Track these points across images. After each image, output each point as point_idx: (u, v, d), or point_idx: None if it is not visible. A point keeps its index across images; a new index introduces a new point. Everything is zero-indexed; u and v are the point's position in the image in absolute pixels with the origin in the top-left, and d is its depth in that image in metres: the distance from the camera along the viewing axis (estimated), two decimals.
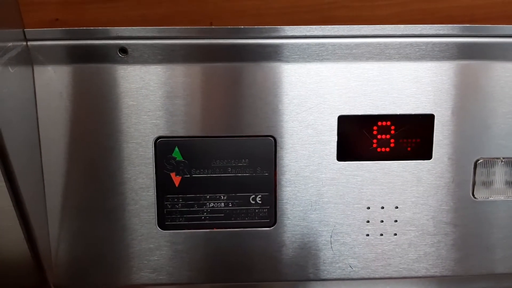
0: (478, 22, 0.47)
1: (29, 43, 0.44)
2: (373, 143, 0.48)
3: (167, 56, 0.45)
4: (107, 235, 0.49)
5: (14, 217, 0.43)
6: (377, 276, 0.51)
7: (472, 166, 0.49)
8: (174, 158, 0.47)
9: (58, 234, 0.48)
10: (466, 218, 0.50)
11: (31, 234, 0.45)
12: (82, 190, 0.47)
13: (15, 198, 0.42)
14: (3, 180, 0.41)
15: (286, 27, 0.45)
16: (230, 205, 0.49)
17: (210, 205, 0.49)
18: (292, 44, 0.45)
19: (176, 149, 0.47)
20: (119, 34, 0.44)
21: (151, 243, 0.49)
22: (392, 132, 0.48)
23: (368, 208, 0.50)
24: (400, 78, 0.47)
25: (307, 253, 0.50)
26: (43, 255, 0.47)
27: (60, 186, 0.47)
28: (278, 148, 0.48)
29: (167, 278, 0.50)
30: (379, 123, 0.48)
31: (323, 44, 0.46)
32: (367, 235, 0.50)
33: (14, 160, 0.41)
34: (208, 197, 0.48)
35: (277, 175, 0.48)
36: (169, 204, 0.48)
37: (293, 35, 0.45)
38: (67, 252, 0.49)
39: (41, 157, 0.46)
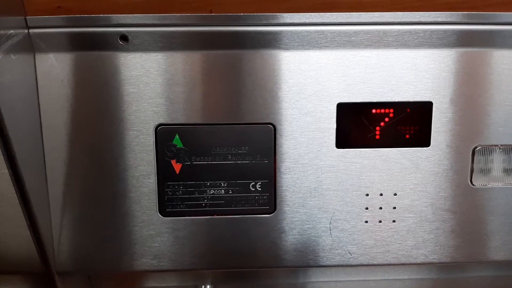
0: (477, 9, 0.47)
1: (30, 30, 0.44)
2: (372, 130, 0.49)
3: (168, 43, 0.45)
4: (109, 222, 0.49)
5: (17, 204, 0.44)
6: (376, 262, 0.52)
7: (470, 153, 0.50)
8: (175, 146, 0.48)
9: (60, 221, 0.49)
10: (464, 205, 0.51)
11: (33, 221, 0.45)
12: (83, 177, 0.48)
13: (17, 185, 0.43)
14: (5, 167, 0.41)
15: (285, 14, 0.45)
16: (230, 192, 0.49)
17: (211, 192, 0.49)
18: (291, 31, 0.46)
19: (177, 136, 0.48)
20: (120, 22, 0.44)
21: (152, 229, 0.49)
22: (391, 119, 0.48)
23: (367, 195, 0.50)
24: (398, 66, 0.47)
25: (307, 240, 0.51)
26: (45, 242, 0.48)
27: (61, 173, 0.48)
28: (277, 136, 0.48)
29: (168, 264, 0.50)
30: (378, 111, 0.48)
31: (322, 32, 0.46)
32: (366, 222, 0.51)
33: (16, 147, 0.41)
34: (208, 184, 0.49)
35: (276, 162, 0.49)
36: (170, 191, 0.49)
37: (292, 22, 0.45)
38: (69, 238, 0.49)
39: (43, 144, 0.47)
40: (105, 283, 0.56)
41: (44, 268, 0.49)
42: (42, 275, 0.50)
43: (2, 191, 0.43)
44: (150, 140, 0.48)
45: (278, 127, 0.48)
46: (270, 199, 0.50)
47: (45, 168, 0.47)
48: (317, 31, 0.46)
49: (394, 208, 0.50)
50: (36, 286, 0.54)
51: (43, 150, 0.47)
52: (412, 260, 0.52)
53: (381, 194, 0.50)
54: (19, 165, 0.42)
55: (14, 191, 0.43)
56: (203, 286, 0.57)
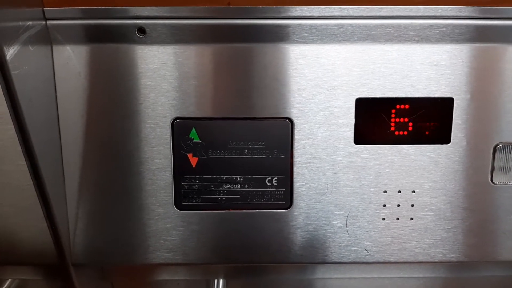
0: (500, 4, 0.46)
1: (48, 22, 0.44)
2: (391, 126, 0.48)
3: (185, 36, 0.45)
4: (125, 215, 0.49)
5: (34, 195, 0.44)
6: (392, 260, 0.51)
7: (491, 151, 0.49)
8: (191, 139, 0.48)
9: (76, 213, 0.49)
10: (484, 203, 0.50)
11: (50, 212, 0.45)
12: (100, 169, 0.48)
13: (34, 177, 0.43)
14: (23, 158, 0.41)
15: (305, 7, 0.45)
16: (246, 187, 0.49)
17: (227, 186, 0.49)
18: (310, 24, 0.45)
19: (193, 130, 0.47)
20: (138, 14, 0.44)
21: (167, 223, 0.49)
22: (411, 115, 0.48)
23: (385, 192, 0.49)
24: (419, 61, 0.47)
25: (323, 236, 0.50)
26: (61, 234, 0.48)
27: (78, 165, 0.48)
28: (294, 130, 0.48)
29: (182, 258, 0.50)
30: (397, 106, 0.48)
31: (342, 25, 0.45)
32: (383, 219, 0.50)
33: (34, 139, 0.41)
34: (224, 178, 0.49)
35: (293, 157, 0.48)
36: (186, 184, 0.49)
37: (311, 16, 0.45)
38: (85, 230, 0.50)
39: (60, 136, 0.47)
40: (119, 276, 0.57)
41: (60, 259, 0.49)
42: (58, 266, 0.50)
43: (20, 182, 0.43)
44: (166, 133, 0.47)
45: (295, 121, 0.48)
46: (286, 194, 0.49)
47: (62, 160, 0.47)
48: (337, 25, 0.45)
49: (412, 205, 0.50)
50: (51, 278, 0.54)
51: (60, 142, 0.47)
52: (430, 259, 0.51)
53: (399, 191, 0.49)
54: (36, 156, 0.42)
55: (31, 183, 0.43)
56: (216, 280, 0.57)
